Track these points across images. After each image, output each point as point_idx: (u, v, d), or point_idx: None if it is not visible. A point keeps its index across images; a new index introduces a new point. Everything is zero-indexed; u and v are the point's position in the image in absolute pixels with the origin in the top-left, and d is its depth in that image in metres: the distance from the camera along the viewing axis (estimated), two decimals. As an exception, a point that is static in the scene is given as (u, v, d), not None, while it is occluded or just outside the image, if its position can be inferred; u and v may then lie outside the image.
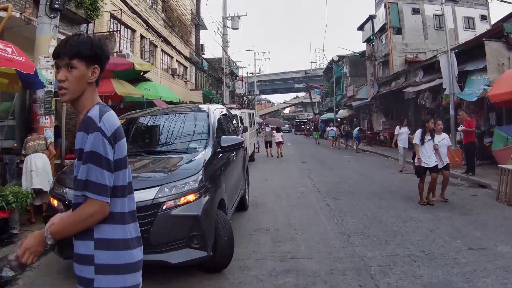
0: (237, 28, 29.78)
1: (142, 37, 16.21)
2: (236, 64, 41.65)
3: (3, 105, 8.06)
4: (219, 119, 5.13)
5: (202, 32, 30.29)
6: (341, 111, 35.74)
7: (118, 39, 12.59)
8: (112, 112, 1.56)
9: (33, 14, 7.64)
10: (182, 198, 3.33)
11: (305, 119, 54.99)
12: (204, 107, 5.27)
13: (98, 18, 10.23)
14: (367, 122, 28.16)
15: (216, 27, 44.32)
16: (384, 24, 24.20)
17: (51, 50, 6.15)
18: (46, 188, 5.47)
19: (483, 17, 24.05)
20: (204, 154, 3.98)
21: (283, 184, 9.66)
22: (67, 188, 3.55)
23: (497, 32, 12.23)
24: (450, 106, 12.28)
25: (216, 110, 5.20)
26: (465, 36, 20.72)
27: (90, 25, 10.62)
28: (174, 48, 17.70)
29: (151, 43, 17.24)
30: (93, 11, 9.39)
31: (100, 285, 1.45)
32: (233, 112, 9.80)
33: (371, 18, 26.85)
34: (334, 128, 24.41)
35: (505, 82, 9.15)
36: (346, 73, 34.58)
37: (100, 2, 9.80)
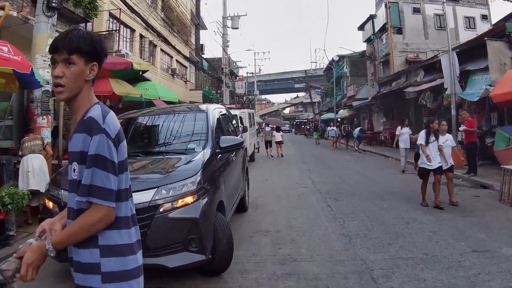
0: (237, 28, 29.71)
1: (141, 36, 16.13)
2: (236, 64, 41.56)
3: (0, 105, 7.98)
4: (218, 119, 5.05)
5: (202, 32, 30.25)
6: (341, 111, 35.66)
7: (117, 38, 12.51)
8: (113, 112, 1.50)
9: (31, 13, 7.56)
10: (180, 200, 3.25)
11: (305, 119, 54.92)
12: (203, 106, 5.18)
13: (96, 17, 10.15)
14: (368, 122, 28.10)
15: (216, 27, 44.32)
16: (385, 24, 24.13)
17: (48, 48, 6.06)
18: (43, 189, 5.40)
19: (484, 17, 23.97)
20: (202, 155, 3.89)
21: (283, 184, 9.58)
22: (62, 190, 3.46)
23: (499, 31, 12.14)
24: (452, 106, 12.20)
25: (215, 110, 5.11)
26: (465, 36, 20.64)
27: (89, 24, 10.53)
28: (174, 47, 17.63)
29: (150, 42, 17.16)
30: (92, 10, 9.31)
31: None
32: (233, 112, 9.71)
33: (372, 17, 26.77)
34: (335, 128, 24.31)
35: (508, 82, 9.06)
36: (347, 73, 34.50)
37: (98, 1, 9.72)
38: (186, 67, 24.44)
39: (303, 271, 3.88)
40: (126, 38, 15.05)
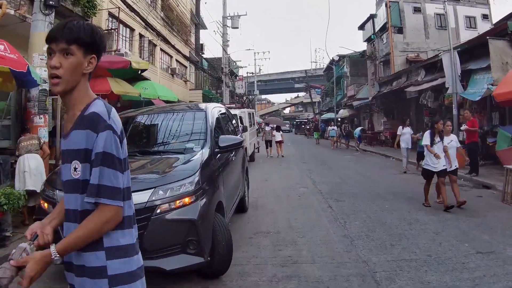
0: (237, 28, 29.59)
1: (141, 36, 16.04)
2: (236, 63, 41.48)
3: (-2, 104, 7.91)
4: (217, 118, 4.96)
5: (201, 31, 30.16)
6: (341, 111, 35.59)
7: (116, 37, 12.42)
8: (114, 109, 1.44)
9: (28, 12, 7.49)
10: (178, 201, 3.16)
11: (305, 119, 54.83)
12: (202, 105, 5.10)
13: (95, 16, 10.06)
14: (368, 122, 28.03)
15: (216, 27, 44.23)
16: (385, 23, 24.05)
17: (46, 48, 5.99)
18: (40, 189, 5.32)
19: (485, 16, 23.90)
20: (201, 155, 3.81)
21: (284, 185, 9.50)
22: (57, 190, 3.38)
23: (500, 30, 12.06)
24: (453, 105, 12.12)
25: (214, 109, 5.03)
26: (466, 35, 20.58)
27: (88, 23, 10.45)
28: (174, 47, 17.53)
29: (150, 42, 17.08)
30: (90, 8, 9.23)
31: None
32: (233, 111, 9.62)
33: (372, 17, 26.68)
34: (335, 128, 24.22)
35: (510, 81, 8.99)
36: (347, 72, 34.41)
37: (97, 0, 9.64)
38: (186, 67, 24.36)
39: (304, 274, 3.79)
40: (125, 37, 14.96)
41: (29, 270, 1.26)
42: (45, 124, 6.57)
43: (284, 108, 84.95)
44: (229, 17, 28.76)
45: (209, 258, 3.30)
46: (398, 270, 3.80)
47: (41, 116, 6.47)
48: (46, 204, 3.53)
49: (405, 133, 11.71)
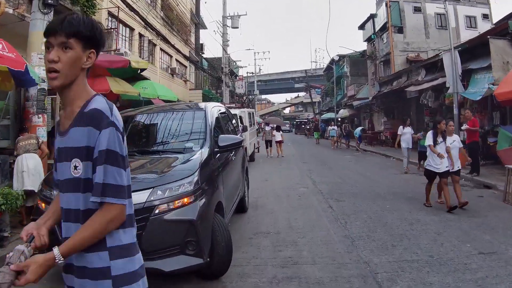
0: (237, 27, 29.56)
1: (140, 35, 15.99)
2: (236, 63, 41.43)
3: (-3, 104, 7.87)
4: (217, 118, 4.91)
5: (201, 31, 30.11)
6: (341, 110, 35.56)
7: (115, 37, 12.37)
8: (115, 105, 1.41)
9: (27, 11, 7.46)
10: (176, 201, 3.12)
11: (306, 119, 54.79)
12: (201, 105, 5.05)
13: (94, 16, 10.01)
14: (368, 122, 28.00)
15: (216, 26, 44.18)
16: (385, 23, 24.01)
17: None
18: (37, 189, 5.28)
19: (485, 16, 23.87)
20: (200, 154, 3.76)
21: (284, 185, 9.46)
22: (55, 190, 3.33)
23: (501, 30, 12.01)
24: (454, 105, 12.08)
25: (214, 108, 4.98)
26: (466, 35, 20.54)
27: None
28: (173, 47, 17.47)
29: (150, 41, 17.04)
30: (90, 8, 9.20)
31: None
32: (233, 111, 9.58)
33: (372, 17, 26.64)
34: (335, 128, 24.16)
35: (512, 80, 8.95)
36: (347, 72, 34.37)
37: (96, -1, 9.61)
38: (186, 67, 24.32)
39: (304, 275, 3.75)
40: (125, 37, 14.92)
41: (31, 275, 1.22)
42: (44, 124, 6.53)
43: (284, 108, 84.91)
44: (229, 17, 28.72)
45: (208, 259, 3.26)
46: (400, 271, 3.75)
47: (40, 115, 6.43)
48: (43, 204, 3.48)
49: (405, 133, 11.66)
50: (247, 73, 53.52)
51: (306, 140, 34.53)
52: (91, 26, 1.35)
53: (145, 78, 11.49)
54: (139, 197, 3.00)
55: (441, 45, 19.74)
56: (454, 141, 6.56)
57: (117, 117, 1.35)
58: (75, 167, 1.32)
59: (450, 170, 6.44)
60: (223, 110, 5.85)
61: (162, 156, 3.93)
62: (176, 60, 21.47)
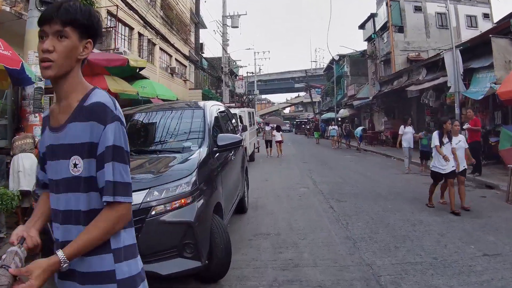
0: (237, 27, 29.44)
1: (140, 35, 15.90)
2: (236, 63, 41.35)
3: (-6, 103, 7.79)
4: (216, 117, 4.82)
5: (201, 31, 30.05)
6: (342, 110, 35.47)
7: (114, 36, 12.28)
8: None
9: (24, 9, 7.37)
10: (174, 202, 3.02)
11: (306, 119, 54.71)
12: (200, 103, 4.95)
13: (93, 14, 9.92)
14: (369, 122, 27.90)
15: (216, 26, 44.07)
16: (386, 23, 23.93)
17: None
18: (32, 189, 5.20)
19: (486, 15, 23.79)
20: (198, 154, 3.67)
21: (284, 185, 9.37)
22: (38, 191, 3.24)
23: (502, 29, 11.93)
24: (455, 104, 11.98)
25: (213, 107, 4.89)
26: (467, 34, 20.45)
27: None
28: (173, 46, 17.38)
29: (149, 41, 16.95)
30: (88, 6, 9.08)
31: None
32: (232, 111, 9.49)
33: (373, 16, 26.55)
34: (336, 127, 24.08)
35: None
36: (347, 72, 34.29)
37: (95, -3, 9.51)
38: (186, 66, 24.24)
39: (305, 278, 3.66)
40: (124, 36, 14.83)
41: (37, 280, 1.13)
42: (41, 123, 6.44)
43: (284, 108, 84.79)
44: (229, 17, 28.61)
45: (206, 262, 3.17)
46: (404, 274, 3.66)
47: (37, 114, 6.33)
48: (37, 205, 3.39)
49: (407, 133, 11.56)
50: (247, 73, 53.47)
51: (306, 140, 34.46)
52: (88, 15, 1.28)
53: (144, 77, 11.39)
54: (135, 198, 2.86)
55: (442, 44, 19.65)
56: (460, 141, 6.42)
57: (121, 111, 1.29)
58: (75, 165, 1.24)
59: (456, 171, 6.29)
60: (222, 109, 5.76)
61: (160, 155, 3.83)
62: (176, 59, 21.39)
